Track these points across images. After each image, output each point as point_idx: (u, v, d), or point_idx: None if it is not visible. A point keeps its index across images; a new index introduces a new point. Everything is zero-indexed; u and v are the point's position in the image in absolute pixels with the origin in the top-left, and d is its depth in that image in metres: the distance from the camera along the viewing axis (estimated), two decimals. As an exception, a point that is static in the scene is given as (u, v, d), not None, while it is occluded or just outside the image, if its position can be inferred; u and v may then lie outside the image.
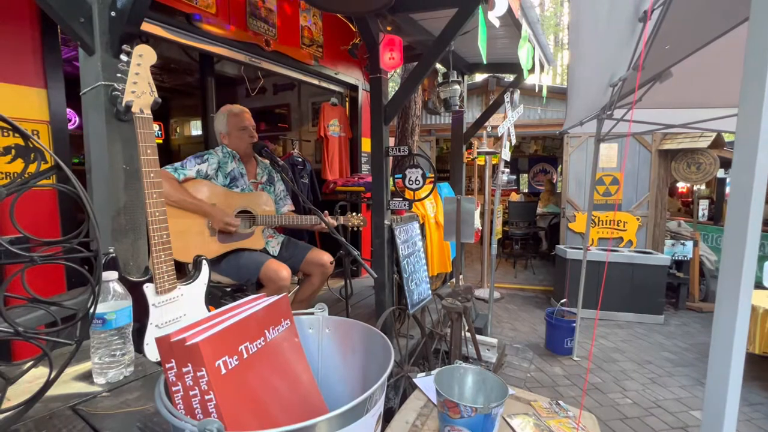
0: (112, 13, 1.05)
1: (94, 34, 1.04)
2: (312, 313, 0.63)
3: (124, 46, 1.04)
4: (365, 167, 4.01)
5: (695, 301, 4.44)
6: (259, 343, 0.48)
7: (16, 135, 1.70)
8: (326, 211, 1.94)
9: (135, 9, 1.04)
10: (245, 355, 0.46)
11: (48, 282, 1.76)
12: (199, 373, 0.40)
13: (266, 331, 0.51)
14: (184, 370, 0.41)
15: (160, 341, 0.43)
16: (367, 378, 0.55)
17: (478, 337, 2.71)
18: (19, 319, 0.88)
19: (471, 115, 5.19)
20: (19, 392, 0.71)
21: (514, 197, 7.74)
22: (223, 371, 0.42)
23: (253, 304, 0.53)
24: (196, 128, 5.69)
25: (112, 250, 1.01)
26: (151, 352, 1.04)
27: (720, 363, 0.57)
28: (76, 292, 1.07)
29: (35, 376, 0.75)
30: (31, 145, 0.62)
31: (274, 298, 0.55)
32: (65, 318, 0.74)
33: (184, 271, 1.61)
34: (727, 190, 6.43)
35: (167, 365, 0.42)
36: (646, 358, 3.23)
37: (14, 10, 1.65)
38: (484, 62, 2.32)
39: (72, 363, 0.66)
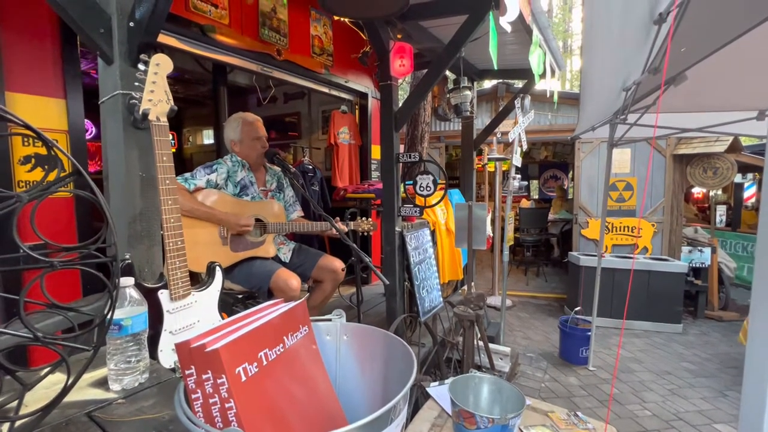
0: (131, 24, 1.07)
1: (113, 44, 1.06)
2: (329, 320, 0.62)
3: (142, 56, 1.06)
4: (375, 174, 4.02)
5: (714, 309, 4.31)
6: (278, 350, 0.48)
7: (37, 144, 1.73)
8: (337, 218, 1.94)
9: (153, 19, 1.06)
10: (264, 362, 0.45)
11: (64, 288, 1.78)
12: (219, 380, 0.39)
13: (285, 337, 0.50)
14: (204, 376, 0.40)
15: (179, 347, 0.42)
16: (387, 387, 0.54)
17: (490, 345, 2.66)
18: (38, 325, 0.89)
19: (481, 121, 5.18)
20: (36, 398, 0.71)
21: (525, 203, 7.67)
22: (243, 378, 0.41)
23: (271, 310, 0.52)
24: (208, 137, 5.78)
25: (128, 257, 1.02)
26: (165, 359, 1.04)
27: (757, 374, 0.54)
28: (92, 299, 1.08)
29: (52, 382, 0.75)
30: (54, 153, 0.63)
31: (292, 304, 0.54)
32: (82, 324, 0.74)
33: (195, 281, 1.61)
34: (745, 194, 6.27)
35: (187, 372, 0.41)
36: (665, 368, 3.14)
37: (36, 23, 1.70)
38: (495, 68, 2.32)
39: (88, 369, 0.66)
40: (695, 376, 3.00)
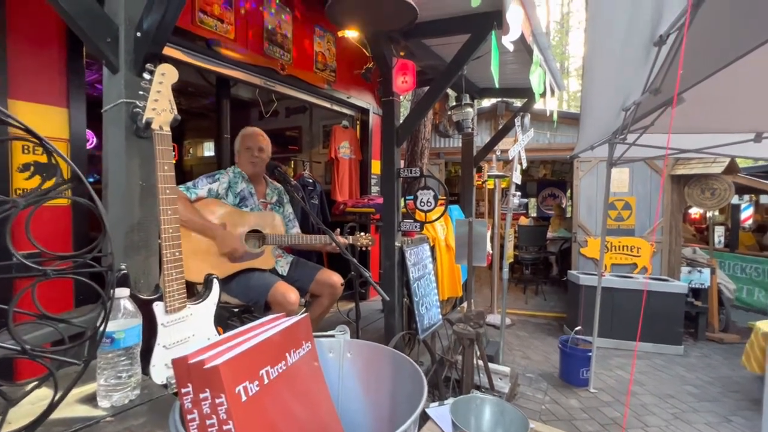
0: (138, 34, 1.08)
1: (119, 54, 1.06)
2: (332, 336, 0.60)
3: (148, 65, 1.06)
4: (375, 189, 4.02)
5: (715, 331, 4.26)
6: (280, 368, 0.45)
7: (36, 152, 1.72)
8: (337, 229, 1.93)
9: (160, 30, 1.07)
10: (266, 381, 0.42)
11: (55, 298, 1.74)
12: (218, 400, 0.37)
13: (287, 354, 0.47)
14: (202, 396, 0.37)
15: (176, 363, 0.39)
16: (395, 410, 0.51)
17: (489, 365, 2.60)
18: (26, 336, 0.86)
19: (480, 139, 5.23)
20: (20, 414, 0.67)
21: (523, 221, 7.68)
22: (244, 398, 0.38)
23: (273, 325, 0.50)
24: (208, 149, 5.80)
25: (123, 267, 0.99)
26: (158, 374, 1.01)
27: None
28: (84, 310, 1.05)
29: (38, 398, 0.71)
30: (55, 161, 0.61)
31: (294, 318, 0.52)
32: (72, 336, 0.71)
33: (191, 292, 1.58)
34: (742, 216, 6.31)
35: (183, 390, 0.39)
36: (667, 391, 3.07)
37: (43, 32, 1.71)
38: (497, 86, 2.35)
39: (76, 384, 0.62)
40: (698, 400, 2.94)
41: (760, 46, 1.34)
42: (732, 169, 4.24)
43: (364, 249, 2.09)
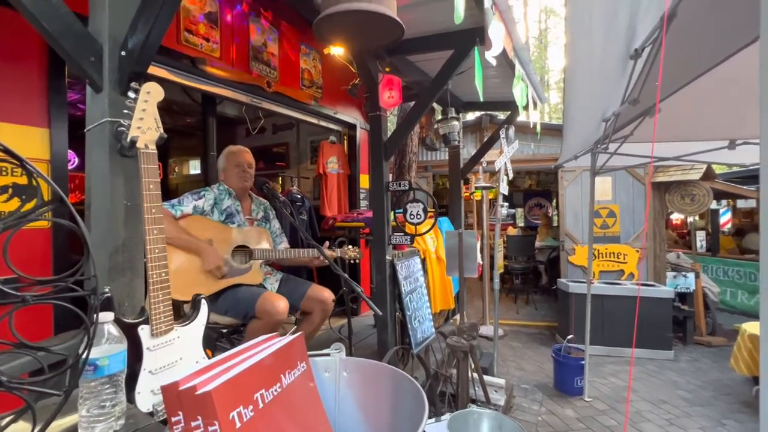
0: (123, 53, 1.07)
1: (103, 73, 1.05)
2: (328, 354, 0.58)
3: (133, 84, 1.05)
4: (363, 203, 4.02)
5: (703, 335, 4.33)
6: (275, 390, 0.43)
7: (15, 173, 1.66)
8: (326, 242, 1.93)
9: (145, 49, 1.06)
10: (260, 405, 0.40)
11: (33, 325, 1.66)
12: (211, 428, 0.35)
13: (282, 375, 0.45)
14: (193, 424, 0.35)
15: (166, 390, 0.38)
16: (396, 430, 0.49)
17: (484, 377, 2.58)
18: (2, 367, 0.81)
19: (467, 151, 5.31)
20: (-6, 452, 0.63)
21: (511, 231, 7.75)
22: (238, 425, 0.36)
23: (266, 345, 0.48)
24: (194, 167, 5.75)
25: (107, 290, 0.96)
26: (143, 402, 0.96)
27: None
28: (65, 336, 1.00)
29: (14, 433, 0.67)
30: (35, 182, 0.59)
31: (290, 337, 0.50)
32: (53, 365, 0.67)
33: (177, 312, 1.53)
34: (721, 220, 6.49)
35: (173, 419, 0.37)
36: (661, 397, 3.09)
37: (23, 51, 1.68)
38: (481, 99, 2.39)
39: (56, 416, 0.59)
40: (691, 405, 2.96)
41: (728, 59, 1.41)
42: (709, 175, 4.39)
43: (352, 262, 2.09)
